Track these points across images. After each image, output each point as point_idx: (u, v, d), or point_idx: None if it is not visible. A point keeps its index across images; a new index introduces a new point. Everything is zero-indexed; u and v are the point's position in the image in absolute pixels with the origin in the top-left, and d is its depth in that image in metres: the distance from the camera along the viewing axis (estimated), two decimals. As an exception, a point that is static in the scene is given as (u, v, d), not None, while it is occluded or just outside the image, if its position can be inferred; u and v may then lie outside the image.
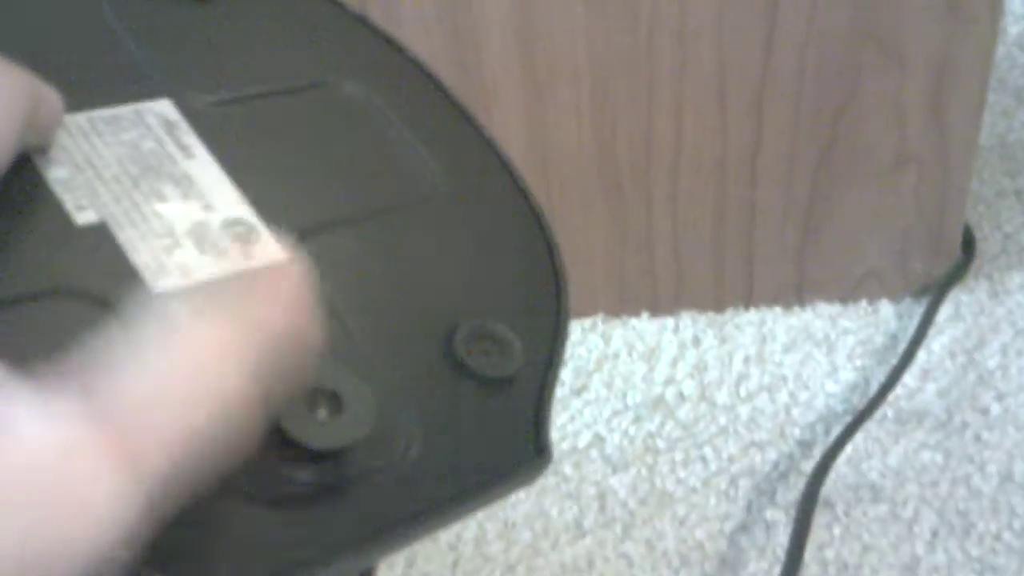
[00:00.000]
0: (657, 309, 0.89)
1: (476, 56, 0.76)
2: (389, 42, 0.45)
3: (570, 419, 0.82)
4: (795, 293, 0.89)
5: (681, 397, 0.83)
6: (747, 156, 0.81)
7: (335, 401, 0.30)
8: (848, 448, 0.78)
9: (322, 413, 0.30)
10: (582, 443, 0.80)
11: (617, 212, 0.84)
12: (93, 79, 0.38)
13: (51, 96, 0.34)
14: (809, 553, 0.72)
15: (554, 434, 0.81)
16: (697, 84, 0.78)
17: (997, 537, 0.72)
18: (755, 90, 0.78)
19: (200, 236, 0.34)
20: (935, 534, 0.73)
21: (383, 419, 0.31)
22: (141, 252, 0.33)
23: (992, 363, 0.83)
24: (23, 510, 0.23)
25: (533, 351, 0.36)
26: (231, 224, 0.35)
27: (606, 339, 0.88)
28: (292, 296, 0.29)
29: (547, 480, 0.78)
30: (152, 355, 0.26)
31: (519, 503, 0.77)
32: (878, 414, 0.80)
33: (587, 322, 0.89)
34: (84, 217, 0.33)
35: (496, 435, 0.34)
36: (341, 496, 0.30)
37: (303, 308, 0.29)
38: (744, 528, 0.74)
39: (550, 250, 0.40)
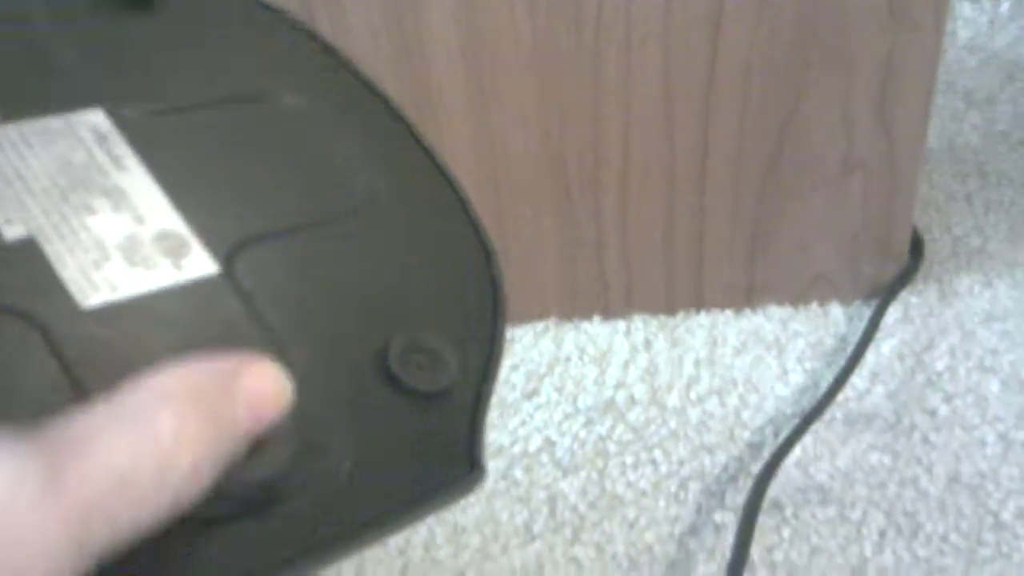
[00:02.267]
0: (608, 313, 0.89)
1: (423, 66, 0.76)
2: (331, 53, 0.45)
3: (521, 423, 0.82)
4: (745, 296, 0.89)
5: (632, 400, 0.83)
6: (695, 163, 0.82)
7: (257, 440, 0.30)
8: (797, 450, 0.78)
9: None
10: (533, 447, 0.80)
11: (567, 219, 0.84)
12: (24, 88, 0.38)
13: None
14: (757, 555, 0.72)
15: (504, 438, 0.81)
16: (644, 91, 0.78)
17: (944, 538, 0.73)
18: (701, 97, 0.78)
19: (130, 250, 0.34)
20: (883, 535, 0.73)
21: (315, 436, 0.31)
22: (69, 267, 0.32)
23: (940, 365, 0.84)
24: None
25: (469, 362, 0.36)
26: (162, 237, 0.34)
27: (558, 343, 0.88)
28: (263, 402, 0.29)
29: (497, 484, 0.78)
30: (121, 440, 0.26)
31: (469, 507, 0.77)
32: (827, 416, 0.81)
33: (539, 326, 0.89)
34: (12, 231, 0.33)
35: (430, 450, 0.34)
36: (276, 512, 0.30)
37: (271, 414, 0.30)
38: (693, 531, 0.75)
39: (488, 259, 0.40)
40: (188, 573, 0.28)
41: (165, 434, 0.27)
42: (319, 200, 0.39)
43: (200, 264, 0.34)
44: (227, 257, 0.35)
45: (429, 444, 0.34)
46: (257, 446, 0.29)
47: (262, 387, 0.29)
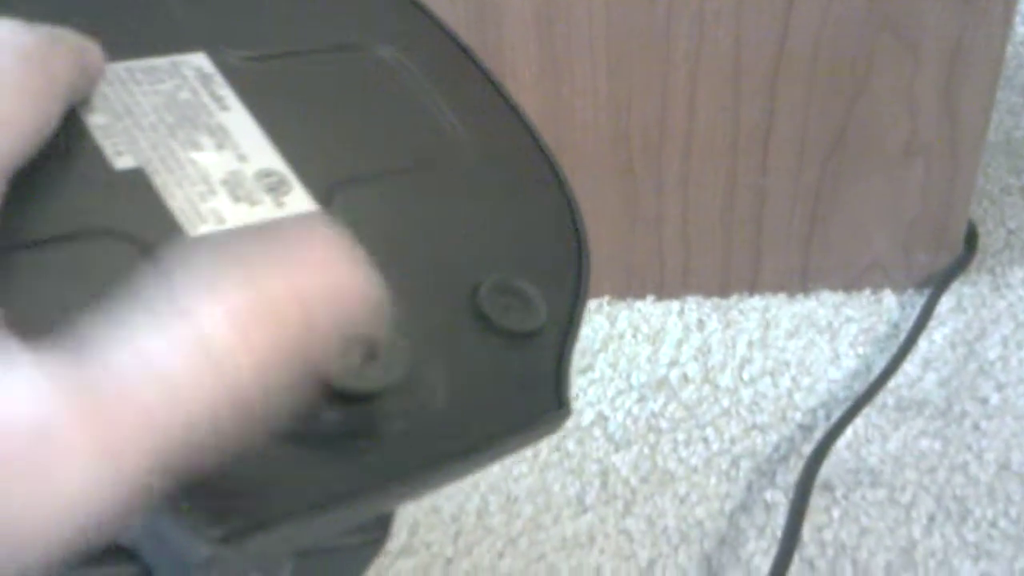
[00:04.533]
0: (663, 292, 0.90)
1: (496, 33, 0.77)
2: (422, 9, 0.45)
3: (574, 397, 0.83)
4: (800, 280, 0.90)
5: (685, 379, 0.84)
6: (758, 141, 0.82)
7: (372, 345, 0.30)
8: (849, 433, 0.79)
9: (357, 356, 0.30)
10: (586, 421, 0.81)
11: (628, 193, 0.85)
12: (132, 31, 0.39)
13: (95, 55, 0.34)
14: (808, 534, 0.73)
15: (558, 411, 0.82)
16: (712, 65, 0.79)
17: (993, 524, 0.73)
18: (769, 73, 0.79)
19: (234, 185, 0.34)
20: (932, 519, 0.74)
21: (413, 363, 0.32)
22: (177, 198, 0.33)
23: (992, 354, 0.84)
24: (7, 491, 0.22)
25: (555, 307, 0.37)
26: (264, 175, 0.35)
27: (612, 320, 0.89)
28: (324, 258, 0.27)
29: (550, 456, 0.79)
30: (156, 338, 0.24)
31: (522, 478, 0.77)
32: (879, 401, 0.81)
33: (593, 303, 0.90)
34: (122, 162, 0.34)
35: (519, 387, 0.34)
36: (367, 439, 0.31)
37: (339, 266, 0.27)
38: (744, 508, 0.75)
39: (572, 211, 0.41)
40: (273, 493, 0.28)
41: (207, 325, 0.24)
42: (411, 146, 0.40)
43: (300, 201, 0.35)
44: (325, 196, 0.36)
45: (519, 381, 0.35)
46: (370, 355, 0.30)
47: (333, 295, 0.27)
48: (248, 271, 0.26)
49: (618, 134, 0.82)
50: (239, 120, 0.37)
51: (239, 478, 0.27)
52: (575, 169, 0.82)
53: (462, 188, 0.40)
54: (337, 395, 0.30)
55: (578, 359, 0.85)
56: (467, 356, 0.34)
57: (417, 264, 0.36)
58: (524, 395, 0.34)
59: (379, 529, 0.35)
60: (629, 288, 0.90)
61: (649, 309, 0.90)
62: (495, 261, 0.38)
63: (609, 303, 0.90)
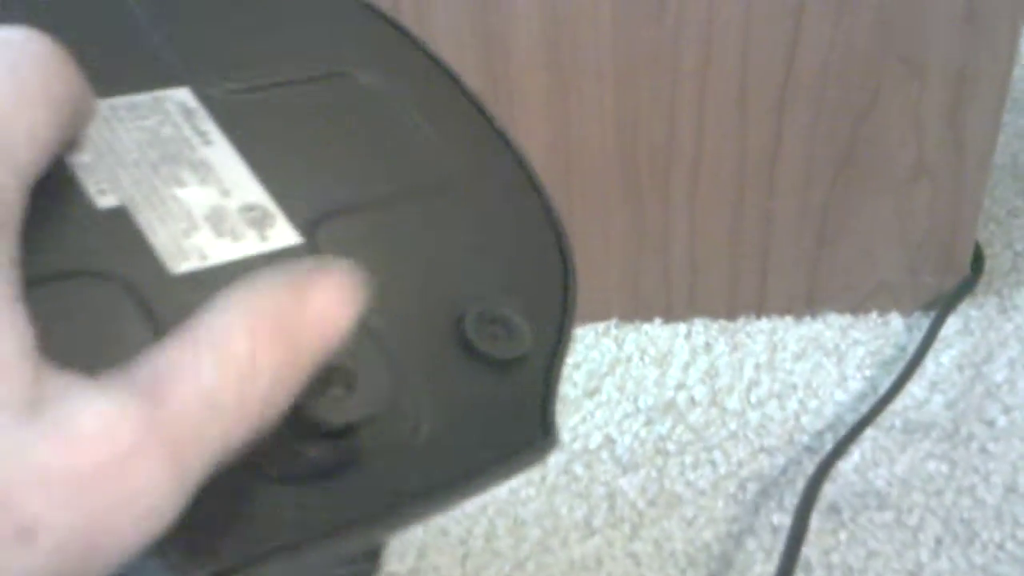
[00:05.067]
0: (670, 315, 0.90)
1: (504, 58, 0.77)
2: (405, 34, 0.45)
3: (582, 420, 0.83)
4: (806, 303, 0.90)
5: (692, 402, 0.84)
6: (765, 162, 0.82)
7: (349, 377, 0.30)
8: (855, 456, 0.79)
9: (336, 389, 0.30)
10: (593, 444, 0.81)
11: (636, 215, 0.85)
12: (114, 66, 0.39)
13: (91, 97, 0.34)
14: (815, 557, 0.73)
15: (565, 434, 0.82)
16: (720, 85, 0.79)
17: (1000, 546, 0.73)
18: (776, 94, 0.79)
19: (217, 220, 0.34)
20: (939, 542, 0.74)
21: (395, 398, 0.32)
22: (160, 235, 0.33)
23: (999, 377, 0.84)
24: (87, 501, 0.24)
25: (541, 334, 0.36)
26: (247, 209, 0.35)
27: (619, 343, 0.89)
28: (338, 314, 0.29)
29: (558, 479, 0.79)
30: (208, 370, 0.27)
31: (529, 501, 0.77)
32: (885, 423, 0.81)
33: (600, 326, 0.90)
34: (105, 201, 0.33)
35: (504, 415, 0.34)
36: (352, 473, 0.31)
37: (346, 324, 0.30)
38: (751, 531, 0.75)
39: (558, 237, 0.41)
40: (259, 531, 0.29)
41: (242, 353, 0.27)
42: (395, 176, 0.40)
43: (284, 235, 0.35)
44: (309, 229, 0.36)
45: (504, 410, 0.35)
46: (352, 385, 0.30)
47: (332, 300, 0.29)
48: (272, 301, 0.29)
49: (625, 157, 0.82)
50: (222, 154, 0.37)
51: (220, 516, 0.27)
52: (583, 192, 0.83)
53: (447, 217, 0.39)
54: (318, 430, 0.30)
55: (585, 382, 0.86)
56: (452, 386, 0.34)
57: (402, 294, 0.36)
58: (510, 424, 0.34)
59: (368, 561, 0.35)
60: (636, 311, 0.90)
61: (656, 332, 0.90)
62: (481, 290, 0.37)
63: (616, 326, 0.90)
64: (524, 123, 0.80)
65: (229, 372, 0.27)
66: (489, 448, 0.33)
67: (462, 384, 0.34)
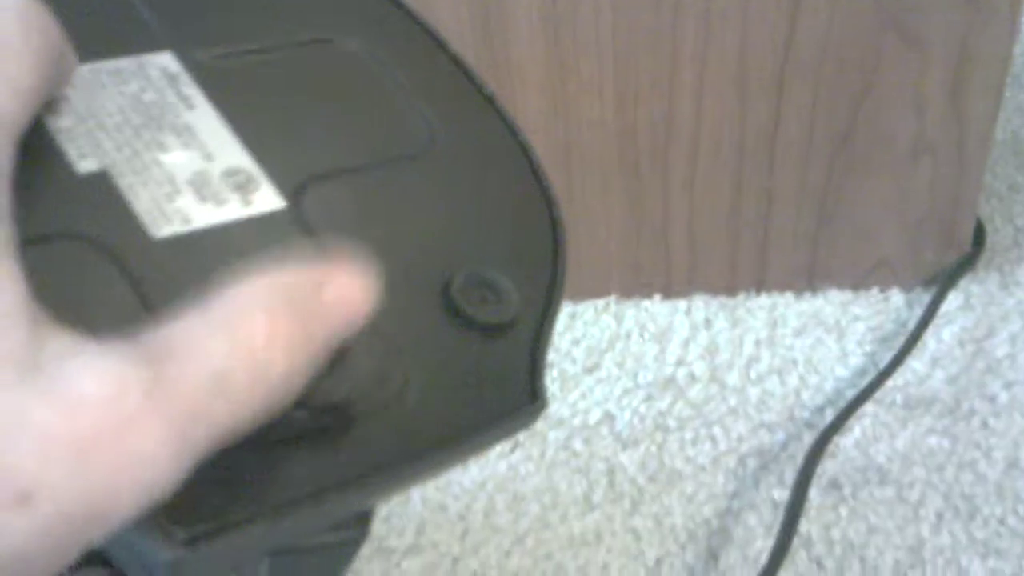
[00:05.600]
0: (669, 292, 0.90)
1: (503, 33, 0.77)
2: (392, 1, 0.45)
3: (581, 396, 0.83)
4: (807, 279, 0.90)
5: (692, 378, 0.84)
6: (765, 140, 0.82)
7: (338, 350, 0.30)
8: (856, 431, 0.79)
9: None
10: (592, 420, 0.81)
11: (635, 193, 0.85)
12: (97, 31, 0.38)
13: (71, 54, 0.34)
14: (816, 532, 0.73)
15: (565, 410, 0.82)
16: (719, 64, 0.79)
17: (1001, 521, 0.73)
18: (775, 73, 0.79)
19: (200, 185, 0.34)
20: (940, 517, 0.74)
21: (382, 364, 0.32)
22: (142, 199, 0.33)
23: (1000, 352, 0.84)
24: (86, 466, 0.24)
25: (530, 299, 0.36)
26: (231, 173, 0.35)
27: (619, 319, 0.89)
28: (353, 306, 0.30)
29: (557, 455, 0.79)
30: (221, 351, 0.27)
31: (528, 476, 0.77)
32: (886, 399, 0.81)
33: (600, 302, 0.90)
34: (86, 165, 0.33)
35: (492, 380, 0.34)
36: (339, 437, 0.31)
37: (361, 315, 0.30)
38: (751, 506, 0.75)
39: (548, 201, 0.41)
40: (245, 495, 0.29)
41: (259, 337, 0.27)
42: (382, 141, 0.40)
43: (268, 199, 0.35)
44: (293, 193, 0.35)
45: (492, 375, 0.34)
46: (337, 361, 0.30)
47: (349, 292, 0.30)
48: (290, 288, 0.29)
49: (625, 133, 0.82)
50: (205, 119, 0.37)
51: (205, 481, 0.27)
52: (583, 170, 0.83)
53: (434, 181, 0.39)
54: (305, 400, 0.30)
55: (585, 358, 0.86)
56: (440, 350, 0.34)
57: (389, 259, 0.35)
58: (498, 388, 0.34)
59: (358, 527, 0.35)
60: (636, 287, 0.90)
61: (656, 308, 0.90)
62: (468, 254, 0.37)
63: (616, 302, 0.90)
64: (524, 101, 0.80)
65: (241, 355, 0.27)
66: (477, 412, 0.33)
67: (450, 349, 0.34)
